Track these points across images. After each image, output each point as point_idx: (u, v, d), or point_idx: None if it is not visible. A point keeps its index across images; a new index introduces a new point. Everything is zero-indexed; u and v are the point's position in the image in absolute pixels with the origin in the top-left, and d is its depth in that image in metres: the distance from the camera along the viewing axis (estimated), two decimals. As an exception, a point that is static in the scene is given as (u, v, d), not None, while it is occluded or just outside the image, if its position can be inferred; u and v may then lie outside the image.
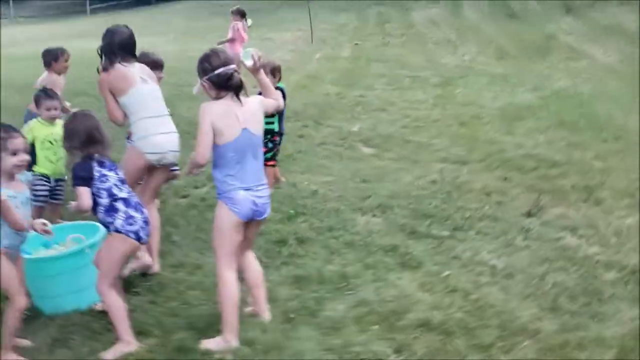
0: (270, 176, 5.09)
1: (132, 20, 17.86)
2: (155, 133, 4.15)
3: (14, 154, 3.17)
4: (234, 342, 3.34)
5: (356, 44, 15.05)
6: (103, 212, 3.40)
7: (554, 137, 7.01)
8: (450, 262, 4.23)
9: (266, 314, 3.59)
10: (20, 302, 3.28)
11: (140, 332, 3.53)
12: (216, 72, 3.29)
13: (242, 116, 3.35)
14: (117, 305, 3.43)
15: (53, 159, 4.71)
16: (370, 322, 3.56)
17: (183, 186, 5.80)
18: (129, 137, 4.50)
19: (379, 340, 3.37)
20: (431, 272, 4.09)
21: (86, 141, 3.39)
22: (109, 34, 4.23)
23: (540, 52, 12.71)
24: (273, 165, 5.58)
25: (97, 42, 4.29)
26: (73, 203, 3.42)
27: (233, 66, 3.39)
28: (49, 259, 3.97)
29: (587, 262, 4.12)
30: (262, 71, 3.56)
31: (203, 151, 3.27)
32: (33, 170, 4.37)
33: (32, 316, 3.75)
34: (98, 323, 3.64)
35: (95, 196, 3.37)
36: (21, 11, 30.78)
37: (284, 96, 4.11)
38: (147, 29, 18.67)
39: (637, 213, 4.83)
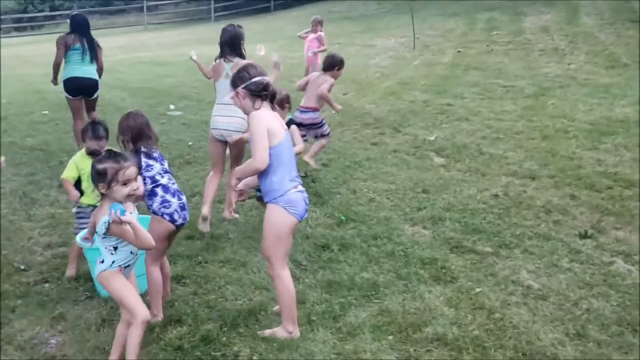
0: None
1: (251, 26, 18.82)
2: (216, 115, 5.32)
3: (125, 183, 3.12)
4: (296, 333, 3.59)
5: (458, 51, 14.75)
6: (146, 196, 3.77)
7: (641, 155, 6.54)
8: (485, 279, 4.16)
9: None
10: (142, 314, 3.19)
11: (177, 321, 3.86)
12: (253, 80, 3.50)
13: (280, 121, 3.60)
14: (154, 281, 3.83)
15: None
16: (387, 331, 3.62)
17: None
18: None
19: (390, 350, 3.44)
20: (463, 288, 4.05)
21: (136, 135, 3.79)
22: (221, 32, 5.44)
23: (658, 62, 11.78)
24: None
25: (215, 48, 5.52)
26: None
27: (268, 77, 3.62)
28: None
29: (632, 291, 3.88)
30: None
31: (262, 154, 3.36)
32: (81, 203, 4.40)
33: (90, 296, 4.22)
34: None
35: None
36: (154, 18, 33.28)
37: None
38: (263, 35, 19.56)
39: None
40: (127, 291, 3.23)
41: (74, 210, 4.56)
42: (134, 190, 3.17)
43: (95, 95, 7.48)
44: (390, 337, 3.56)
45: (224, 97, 4.95)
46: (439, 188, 5.97)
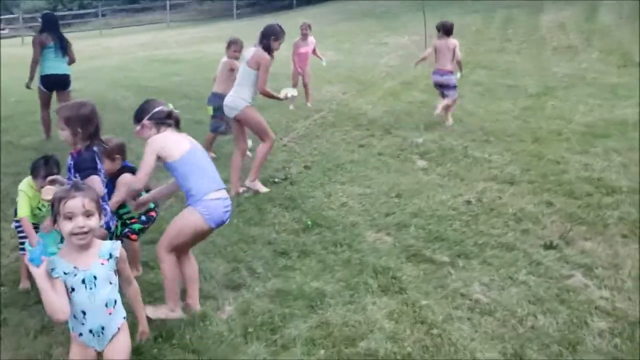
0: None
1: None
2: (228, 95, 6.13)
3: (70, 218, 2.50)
4: (178, 312, 3.79)
5: (470, 48, 14.47)
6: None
7: (632, 160, 6.27)
8: (434, 291, 4.01)
9: (197, 307, 3.89)
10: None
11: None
12: (154, 110, 3.76)
13: (185, 137, 3.83)
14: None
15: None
16: (321, 345, 3.50)
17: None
18: None
19: (319, 366, 3.33)
20: (409, 300, 3.91)
21: (87, 127, 3.40)
22: None
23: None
24: (135, 240, 4.46)
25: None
26: None
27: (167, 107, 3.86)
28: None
29: (582, 307, 3.69)
30: None
31: (141, 177, 3.70)
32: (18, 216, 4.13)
33: (38, 301, 4.20)
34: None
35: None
36: (177, 16, 33.61)
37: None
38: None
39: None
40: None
41: (13, 225, 4.46)
42: (80, 228, 2.50)
43: (68, 89, 8.21)
44: (322, 352, 3.45)
45: (237, 79, 6.07)
46: (413, 193, 5.82)
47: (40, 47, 7.91)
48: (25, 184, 4.16)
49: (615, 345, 3.32)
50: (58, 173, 3.99)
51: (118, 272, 2.72)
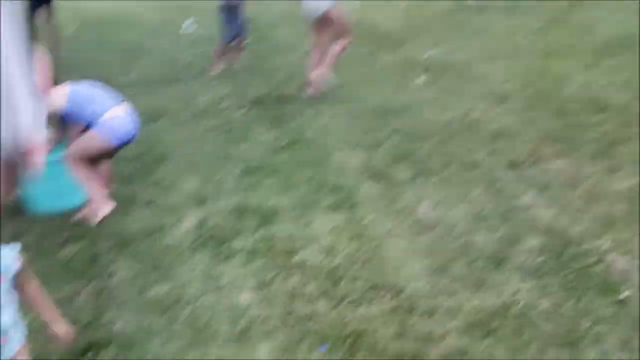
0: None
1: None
2: None
3: None
4: (108, 202, 4.09)
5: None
6: None
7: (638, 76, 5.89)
8: (384, 209, 4.05)
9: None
10: None
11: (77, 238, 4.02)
12: None
13: None
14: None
15: None
16: (260, 256, 3.63)
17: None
18: None
19: (251, 276, 3.47)
20: (356, 217, 3.97)
21: None
22: None
23: None
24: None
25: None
26: None
27: None
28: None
29: (524, 225, 3.65)
30: None
31: None
32: None
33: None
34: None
35: None
36: None
37: None
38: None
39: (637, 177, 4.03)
40: None
41: None
42: None
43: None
44: (260, 262, 3.60)
45: None
46: (400, 110, 5.73)
47: None
48: None
49: (543, 262, 3.30)
50: None
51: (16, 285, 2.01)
